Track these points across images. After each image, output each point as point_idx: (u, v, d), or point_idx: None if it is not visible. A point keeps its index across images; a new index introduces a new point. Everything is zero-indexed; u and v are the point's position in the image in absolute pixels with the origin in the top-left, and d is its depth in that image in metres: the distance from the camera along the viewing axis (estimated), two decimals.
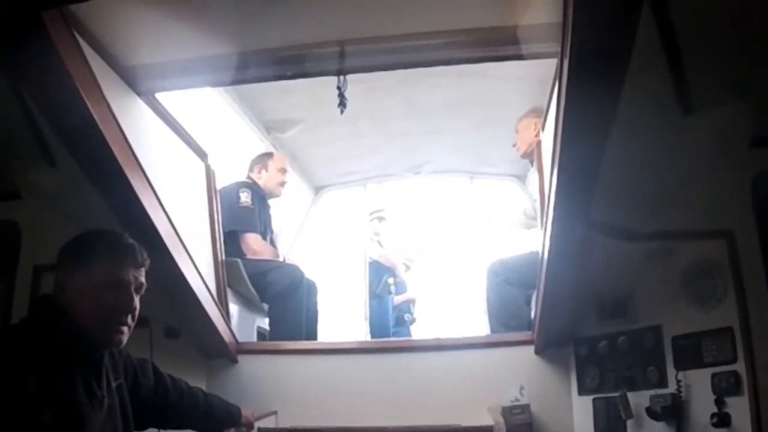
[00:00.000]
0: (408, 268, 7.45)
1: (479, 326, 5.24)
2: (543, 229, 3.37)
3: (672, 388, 3.08)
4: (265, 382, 3.94)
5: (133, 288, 2.34)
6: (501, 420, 3.59)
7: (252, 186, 4.99)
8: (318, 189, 6.60)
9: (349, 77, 3.27)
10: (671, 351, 3.13)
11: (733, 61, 2.43)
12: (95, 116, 2.68)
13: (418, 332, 7.06)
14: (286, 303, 4.60)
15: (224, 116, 4.84)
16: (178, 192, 3.68)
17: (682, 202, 2.94)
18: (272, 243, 5.08)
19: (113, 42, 2.93)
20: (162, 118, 3.57)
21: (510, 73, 4.31)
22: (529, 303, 4.45)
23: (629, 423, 3.28)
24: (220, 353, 3.95)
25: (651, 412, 3.12)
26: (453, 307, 7.29)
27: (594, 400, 3.54)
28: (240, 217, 4.79)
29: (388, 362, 4.07)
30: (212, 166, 4.28)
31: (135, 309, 2.34)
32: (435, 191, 7.38)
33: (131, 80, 3.16)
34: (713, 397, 2.85)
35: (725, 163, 2.77)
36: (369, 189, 6.79)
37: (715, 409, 2.84)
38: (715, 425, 2.83)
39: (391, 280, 6.79)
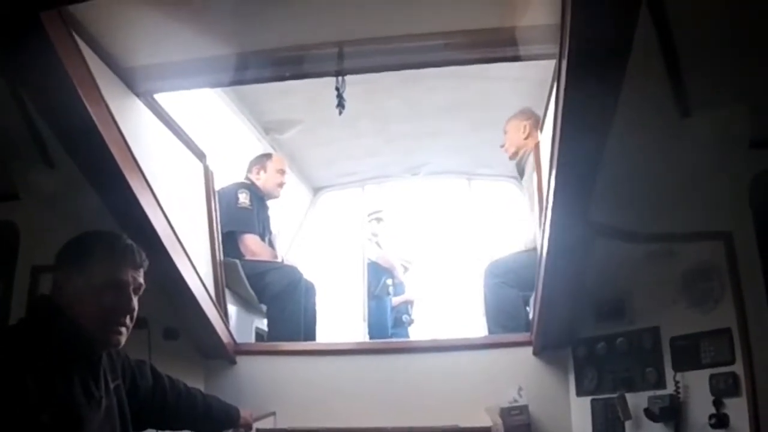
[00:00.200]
0: (406, 269, 7.45)
1: (477, 327, 5.23)
2: (541, 230, 3.38)
3: (670, 389, 3.08)
4: (264, 383, 3.94)
5: (131, 289, 2.34)
6: (499, 421, 3.60)
7: (250, 187, 4.99)
8: (316, 190, 6.60)
9: (348, 78, 3.27)
10: (669, 352, 3.13)
11: (731, 63, 2.44)
12: (94, 117, 2.69)
13: (417, 333, 7.06)
14: (284, 304, 4.60)
15: (223, 117, 4.84)
16: (177, 193, 3.68)
17: (680, 204, 2.94)
18: (271, 244, 5.08)
19: (112, 43, 2.93)
20: (160, 118, 3.57)
21: (508, 74, 4.31)
22: (527, 304, 4.45)
23: (627, 424, 3.28)
24: (219, 354, 3.95)
25: (649, 413, 3.12)
26: (451, 308, 7.29)
27: (592, 401, 3.54)
28: (238, 217, 4.79)
29: (387, 363, 4.07)
30: (211, 167, 4.28)
31: (133, 310, 2.34)
32: (433, 192, 7.39)
33: (130, 81, 3.16)
34: (711, 398, 2.85)
35: (723, 165, 2.77)
36: (367, 190, 6.81)
37: (713, 410, 2.83)
38: (713, 426, 2.82)
39: (389, 281, 6.80)
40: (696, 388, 2.97)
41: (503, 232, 6.02)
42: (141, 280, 2.38)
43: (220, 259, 4.29)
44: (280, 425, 3.74)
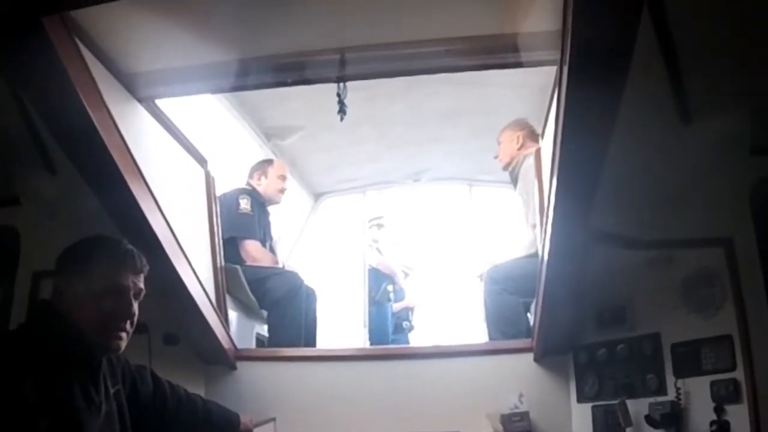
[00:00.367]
0: (407, 275, 7.46)
1: (478, 333, 5.23)
2: (542, 236, 3.38)
3: (671, 395, 3.08)
4: (264, 389, 3.93)
5: (132, 294, 2.34)
6: (500, 427, 3.60)
7: (252, 193, 5.00)
8: (317, 196, 6.60)
9: (349, 85, 3.28)
10: (670, 358, 3.13)
11: (732, 70, 2.44)
12: (95, 122, 2.69)
13: (417, 339, 7.06)
14: (285, 310, 4.60)
15: (224, 123, 4.85)
16: (178, 198, 3.68)
17: (681, 210, 2.94)
18: (272, 250, 5.08)
19: (114, 48, 2.93)
20: (162, 124, 3.57)
21: (510, 81, 4.31)
22: (527, 311, 4.44)
23: (628, 430, 3.27)
24: (219, 360, 3.94)
25: (650, 420, 3.11)
26: (451, 314, 7.28)
27: (593, 407, 3.54)
28: (239, 223, 4.80)
29: (387, 369, 4.06)
30: (212, 173, 4.28)
31: (134, 315, 2.35)
32: (434, 199, 7.39)
33: (131, 86, 3.16)
34: (712, 404, 2.84)
35: (724, 171, 2.77)
36: (368, 196, 6.81)
37: (714, 417, 2.83)
38: None
39: (390, 288, 6.80)
40: (697, 394, 2.96)
41: (504, 238, 6.01)
42: (141, 285, 2.39)
43: (221, 265, 4.29)
44: (281, 431, 3.73)
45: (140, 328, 2.57)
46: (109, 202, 3.03)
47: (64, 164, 2.96)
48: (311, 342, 4.69)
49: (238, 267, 4.60)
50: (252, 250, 4.78)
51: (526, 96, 4.56)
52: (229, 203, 4.76)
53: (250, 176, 5.15)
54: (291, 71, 3.22)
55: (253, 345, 4.77)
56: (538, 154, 4.20)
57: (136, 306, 2.36)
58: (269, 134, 5.29)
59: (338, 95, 3.29)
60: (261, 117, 5.05)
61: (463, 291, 6.73)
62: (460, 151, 5.78)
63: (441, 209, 7.53)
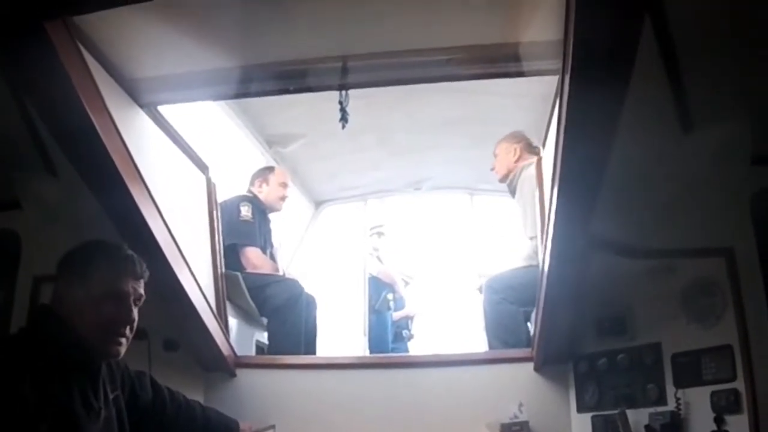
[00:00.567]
0: (407, 284, 7.46)
1: (478, 342, 5.22)
2: (543, 245, 3.38)
3: (671, 405, 3.07)
4: (264, 396, 3.92)
5: (132, 299, 2.35)
6: None
7: (253, 200, 5.00)
8: (318, 204, 6.60)
9: (351, 93, 3.29)
10: (670, 368, 3.12)
11: (733, 79, 2.45)
12: (97, 127, 2.69)
13: (417, 348, 7.06)
14: (285, 317, 4.59)
15: (226, 130, 4.85)
16: (179, 204, 3.69)
17: (682, 220, 2.94)
18: (272, 257, 5.08)
19: (117, 54, 2.94)
20: (164, 130, 3.58)
21: (511, 90, 4.32)
22: (527, 320, 4.44)
23: None
24: (219, 366, 3.94)
25: (650, 430, 3.11)
26: (451, 323, 7.27)
27: (593, 417, 3.52)
28: (240, 230, 4.80)
29: (387, 378, 4.06)
30: (213, 179, 4.29)
31: (133, 320, 2.35)
32: (435, 207, 7.40)
33: (134, 92, 3.17)
34: (712, 414, 2.84)
35: (725, 181, 2.78)
36: (369, 204, 6.81)
37: (714, 427, 2.83)
38: None
39: (390, 296, 6.80)
40: (697, 404, 2.96)
41: (504, 248, 6.01)
42: (141, 290, 2.39)
43: (221, 272, 4.29)
44: None
45: (140, 334, 2.58)
46: (110, 207, 3.03)
47: (65, 168, 2.96)
48: (311, 350, 4.69)
49: (238, 274, 4.60)
50: (253, 257, 4.78)
51: (528, 105, 4.56)
52: (230, 210, 4.76)
53: (252, 183, 5.15)
54: (293, 79, 3.23)
55: (252, 352, 4.76)
56: (539, 164, 4.20)
57: (135, 311, 2.36)
58: (271, 141, 5.30)
59: (340, 103, 3.30)
60: (262, 124, 5.06)
61: (463, 300, 6.73)
62: (461, 160, 5.78)
63: (442, 218, 7.54)
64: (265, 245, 5.01)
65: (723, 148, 2.63)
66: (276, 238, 5.27)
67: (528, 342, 4.15)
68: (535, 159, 4.40)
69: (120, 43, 2.90)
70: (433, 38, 3.03)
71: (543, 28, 2.78)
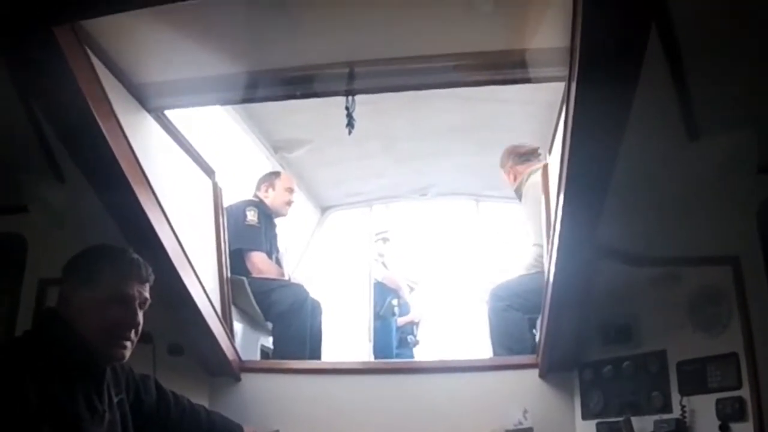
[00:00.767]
0: (412, 289, 7.46)
1: (483, 349, 5.21)
2: (549, 253, 3.37)
3: (676, 413, 3.06)
4: (268, 401, 3.92)
5: (137, 303, 2.35)
6: None
7: (259, 205, 5.00)
8: (324, 209, 6.61)
9: (357, 99, 3.29)
10: (676, 376, 3.12)
11: (740, 87, 2.44)
12: (105, 132, 2.70)
13: (422, 354, 7.05)
14: (290, 322, 4.59)
15: (232, 135, 4.86)
16: (186, 209, 3.69)
17: (688, 228, 2.94)
18: (278, 262, 5.08)
19: (124, 59, 2.95)
20: (171, 135, 3.59)
21: (517, 97, 4.33)
22: (533, 327, 4.44)
23: None
24: (224, 371, 3.94)
25: None
26: (457, 329, 7.27)
27: (598, 424, 3.51)
28: (246, 235, 4.80)
29: (392, 383, 4.05)
30: (219, 184, 4.29)
31: (139, 324, 2.35)
32: (441, 214, 7.40)
33: (141, 97, 3.18)
34: (718, 422, 2.83)
35: (732, 189, 2.78)
36: (375, 210, 6.82)
37: None
38: None
39: (395, 302, 6.81)
40: (702, 412, 2.95)
41: (509, 254, 6.01)
42: (147, 294, 2.40)
43: (227, 276, 4.29)
44: None
45: (145, 338, 2.58)
46: (117, 211, 3.04)
47: (72, 172, 2.98)
48: (316, 355, 4.68)
49: (244, 279, 4.61)
50: (258, 262, 4.79)
51: (533, 112, 4.56)
52: (236, 215, 4.77)
53: (258, 188, 5.16)
54: (300, 84, 3.23)
55: (257, 357, 4.76)
56: (545, 170, 4.20)
57: (141, 315, 2.36)
58: (277, 147, 5.31)
59: (347, 108, 3.30)
60: (269, 129, 5.06)
61: (469, 306, 6.73)
62: (467, 167, 5.79)
63: (447, 224, 7.54)
64: (271, 250, 5.02)
65: (729, 156, 2.63)
66: (282, 243, 5.27)
67: (533, 349, 4.14)
68: (541, 165, 4.40)
69: (127, 48, 2.91)
70: (440, 44, 3.04)
71: (549, 35, 2.78)
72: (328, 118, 3.92)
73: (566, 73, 2.44)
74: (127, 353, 2.34)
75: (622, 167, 2.55)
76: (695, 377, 3.00)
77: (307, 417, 3.83)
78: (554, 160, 3.58)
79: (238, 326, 4.45)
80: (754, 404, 2.71)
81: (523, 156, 4.75)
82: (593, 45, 2.13)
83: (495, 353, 4.48)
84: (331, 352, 5.20)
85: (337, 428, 3.80)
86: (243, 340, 4.50)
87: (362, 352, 6.17)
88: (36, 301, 3.37)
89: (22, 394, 2.00)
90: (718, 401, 2.85)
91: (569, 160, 2.59)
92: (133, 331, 2.33)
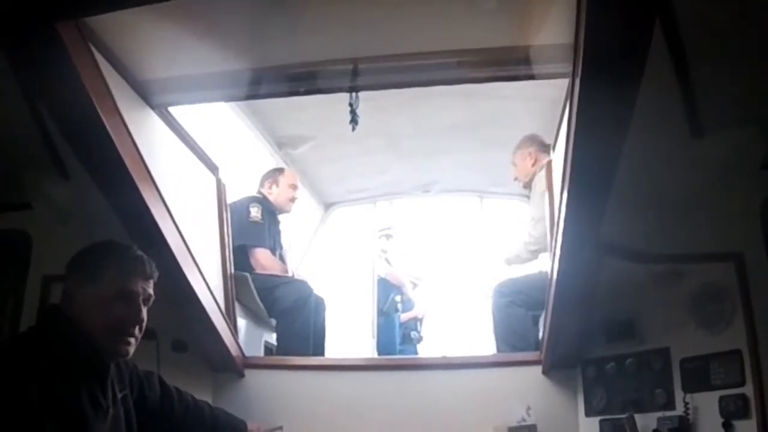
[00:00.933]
0: (415, 285, 7.46)
1: (486, 345, 5.21)
2: (552, 250, 3.37)
3: (679, 410, 3.06)
4: (272, 397, 3.93)
5: (141, 299, 2.35)
6: None
7: (262, 201, 5.00)
8: (328, 206, 6.60)
9: (360, 96, 3.29)
10: (679, 373, 3.12)
11: (744, 85, 2.44)
12: (109, 129, 2.71)
13: (426, 350, 7.05)
14: (293, 318, 4.59)
15: (236, 131, 4.86)
16: (189, 205, 3.70)
17: (691, 225, 2.93)
18: (281, 258, 5.08)
19: (128, 55, 2.95)
20: (174, 131, 3.59)
21: (521, 93, 4.32)
22: (536, 324, 4.44)
23: None
24: (227, 367, 3.95)
25: None
26: (461, 325, 7.27)
27: (601, 421, 3.52)
28: (249, 231, 4.80)
29: (395, 380, 4.06)
30: (223, 180, 4.30)
31: (143, 320, 2.36)
32: (444, 210, 7.39)
33: (145, 93, 3.18)
34: (721, 420, 2.83)
35: (735, 186, 2.77)
36: (378, 207, 6.81)
37: None
38: None
39: (398, 298, 6.80)
40: (705, 409, 2.95)
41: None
42: (151, 291, 2.40)
43: (230, 272, 4.30)
44: None
45: (149, 335, 2.58)
46: (121, 207, 3.05)
47: (76, 169, 2.98)
48: (319, 351, 4.69)
49: (247, 275, 4.61)
50: (262, 258, 4.79)
51: (538, 109, 4.56)
52: (239, 211, 4.77)
53: (261, 185, 5.16)
54: (304, 81, 3.23)
55: (261, 353, 4.76)
56: (549, 167, 4.20)
57: (145, 312, 2.37)
58: (281, 143, 5.30)
59: (350, 105, 3.30)
60: (273, 126, 5.06)
61: (472, 302, 6.73)
62: (471, 163, 5.77)
63: (451, 221, 7.54)
64: (275, 246, 5.02)
65: (733, 153, 2.62)
66: (285, 239, 5.27)
67: (536, 346, 4.14)
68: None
69: (131, 45, 2.92)
70: (444, 41, 3.03)
71: (553, 32, 2.78)
72: (331, 114, 3.93)
73: (570, 69, 2.44)
74: (131, 350, 2.35)
75: (626, 164, 2.55)
76: (698, 374, 3.00)
77: (310, 413, 3.83)
78: (558, 157, 3.58)
79: (241, 322, 4.46)
80: (758, 401, 2.71)
81: (545, 146, 4.73)
82: (597, 42, 2.13)
83: (498, 350, 4.48)
84: (335, 349, 5.20)
85: (340, 424, 3.80)
86: (246, 337, 4.51)
87: (365, 349, 6.16)
88: (40, 297, 3.38)
89: (26, 390, 2.01)
90: (721, 398, 2.85)
91: (573, 157, 2.59)
92: (137, 328, 2.34)
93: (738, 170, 2.72)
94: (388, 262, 7.17)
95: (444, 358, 4.45)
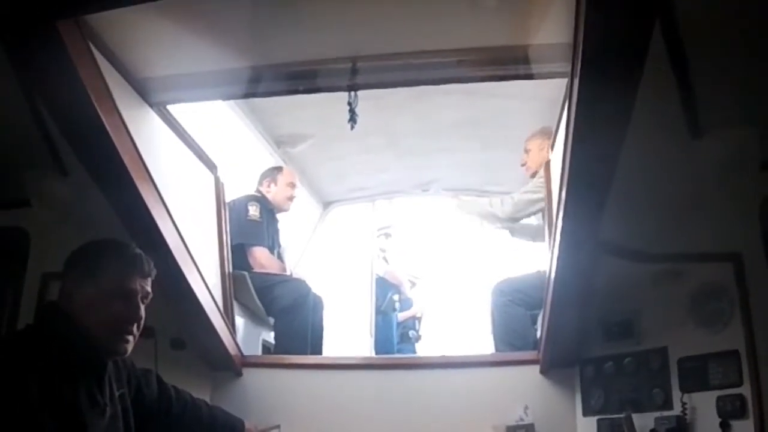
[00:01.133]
0: (414, 284, 7.46)
1: (484, 344, 5.22)
2: (550, 248, 3.37)
3: (677, 410, 3.06)
4: (269, 396, 3.93)
5: (139, 297, 2.35)
6: None
7: (261, 199, 5.00)
8: (326, 204, 6.60)
9: (359, 94, 3.29)
10: (677, 373, 3.12)
11: (743, 84, 2.44)
12: (107, 126, 2.71)
13: (424, 349, 7.06)
14: (292, 317, 4.59)
15: (235, 129, 4.85)
16: (188, 203, 3.70)
17: (690, 225, 2.93)
18: (280, 257, 5.08)
19: (127, 53, 2.95)
20: (173, 129, 3.59)
21: (520, 93, 4.31)
22: (534, 323, 4.44)
23: None
24: (225, 366, 3.95)
25: None
26: (459, 324, 7.28)
27: (598, 421, 3.52)
28: (248, 230, 4.80)
29: (393, 379, 4.06)
30: (222, 179, 4.30)
31: (141, 318, 2.36)
32: (443, 209, 7.40)
33: (144, 92, 3.18)
34: (718, 420, 2.83)
35: (734, 186, 2.77)
36: (377, 205, 6.81)
37: None
38: None
39: (396, 297, 6.81)
40: (703, 409, 2.95)
41: (512, 250, 6.01)
42: (149, 288, 2.41)
43: (228, 271, 4.29)
44: None
45: (147, 333, 2.58)
46: (119, 205, 3.05)
47: (75, 167, 2.98)
48: (317, 350, 4.69)
49: (245, 273, 4.61)
50: (260, 256, 4.79)
51: (536, 108, 4.56)
52: (238, 210, 4.77)
53: (260, 183, 5.16)
54: (303, 79, 3.23)
55: (259, 352, 4.77)
56: (547, 167, 4.20)
57: (143, 309, 2.37)
58: (279, 142, 5.29)
59: (349, 104, 3.30)
60: (271, 124, 5.05)
61: (471, 301, 6.74)
62: (470, 162, 5.77)
63: (449, 220, 7.54)
64: (273, 245, 5.02)
65: (732, 153, 2.62)
66: (283, 238, 5.27)
67: (535, 345, 4.14)
68: None
69: (130, 43, 2.92)
70: (443, 40, 3.03)
71: (553, 31, 2.78)
72: (330, 113, 3.93)
73: (569, 69, 2.44)
74: (130, 347, 2.35)
75: (625, 164, 2.55)
76: (696, 374, 3.00)
77: (308, 412, 3.84)
78: (557, 157, 3.58)
79: (239, 321, 4.45)
80: (755, 402, 2.71)
81: None
82: (596, 42, 2.13)
83: (497, 349, 4.49)
84: (333, 348, 5.20)
85: (338, 423, 3.80)
86: (245, 335, 4.51)
87: (363, 348, 6.17)
88: (39, 295, 3.38)
89: (24, 387, 2.01)
90: (718, 398, 2.85)
91: (572, 156, 2.59)
92: (135, 326, 2.34)
93: (737, 170, 2.71)
94: (386, 260, 7.18)
95: (442, 357, 4.45)
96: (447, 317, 7.68)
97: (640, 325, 3.38)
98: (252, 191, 5.12)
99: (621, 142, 2.46)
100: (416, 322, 7.22)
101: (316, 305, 4.76)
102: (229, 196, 4.54)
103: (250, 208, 4.86)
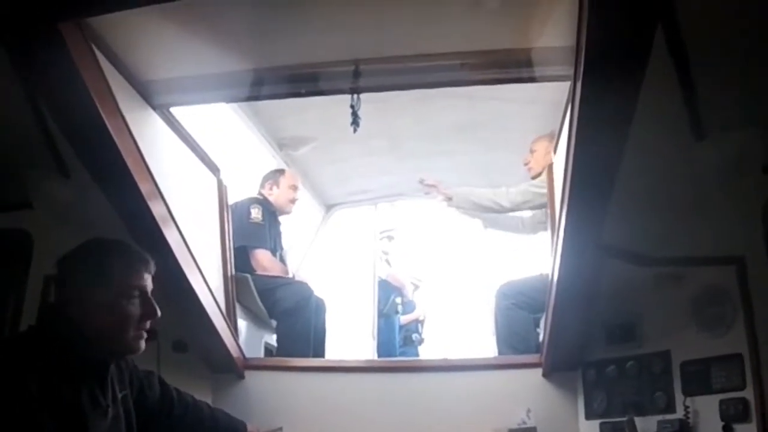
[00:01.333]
0: (416, 287, 7.46)
1: (487, 347, 5.22)
2: (553, 252, 3.37)
3: (680, 413, 3.06)
4: (271, 399, 3.93)
5: (150, 292, 2.36)
6: None
7: (263, 202, 5.00)
8: (329, 207, 6.59)
9: (362, 97, 3.29)
10: (679, 376, 3.11)
11: (746, 87, 2.44)
12: (110, 129, 2.71)
13: (426, 352, 7.05)
14: (294, 320, 4.59)
15: (237, 132, 4.86)
16: (190, 206, 3.70)
17: (692, 228, 2.93)
18: (282, 260, 5.08)
19: (130, 56, 2.96)
20: (176, 132, 3.59)
21: (522, 96, 4.32)
22: (537, 326, 4.44)
23: None
24: (227, 368, 3.95)
25: None
26: (461, 327, 7.27)
27: (601, 424, 3.51)
28: (250, 232, 4.80)
29: (395, 382, 4.06)
30: (224, 181, 4.30)
31: (157, 312, 2.36)
32: (445, 212, 7.38)
33: (147, 94, 3.19)
34: (721, 423, 2.82)
35: (737, 189, 2.77)
36: (380, 208, 6.80)
37: None
38: None
39: (398, 300, 6.80)
40: (706, 413, 2.95)
41: (515, 254, 6.01)
42: (152, 283, 2.41)
43: (231, 274, 4.30)
44: None
45: (149, 335, 2.58)
46: (122, 207, 3.05)
47: (77, 169, 2.98)
48: (320, 353, 4.69)
49: (248, 276, 4.60)
50: (262, 259, 4.79)
51: (539, 111, 4.55)
52: (240, 212, 4.77)
53: (262, 186, 5.15)
54: (305, 82, 3.24)
55: (261, 354, 4.76)
56: (550, 170, 4.19)
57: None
58: (282, 144, 5.30)
59: (352, 107, 3.30)
60: (274, 127, 5.05)
61: (473, 304, 6.73)
62: (472, 165, 5.76)
63: (452, 223, 7.53)
64: (275, 248, 5.01)
65: (735, 156, 2.62)
66: (286, 240, 5.27)
67: (537, 348, 4.14)
68: None
69: (133, 45, 2.92)
70: (446, 43, 3.04)
71: (555, 34, 2.78)
72: (333, 116, 3.93)
73: (571, 72, 2.44)
74: (144, 343, 2.35)
75: (628, 166, 2.56)
76: (699, 378, 2.99)
77: (310, 415, 3.83)
78: (559, 160, 3.58)
79: (242, 324, 4.46)
80: (758, 405, 2.70)
81: None
82: (599, 44, 2.13)
83: (500, 352, 4.48)
84: (335, 350, 5.20)
85: (340, 426, 3.80)
86: (247, 338, 4.51)
87: (366, 351, 6.16)
88: (41, 297, 3.38)
89: (26, 389, 2.01)
90: (721, 402, 2.84)
91: (574, 159, 2.59)
92: (149, 321, 2.35)
93: (739, 173, 2.72)
94: (389, 263, 7.17)
95: (445, 360, 4.46)
96: (449, 320, 7.68)
97: (643, 328, 3.37)
98: (254, 194, 5.12)
99: (623, 145, 2.46)
100: (419, 325, 7.21)
101: (319, 308, 4.75)
102: (232, 199, 4.54)
103: (252, 210, 4.86)
